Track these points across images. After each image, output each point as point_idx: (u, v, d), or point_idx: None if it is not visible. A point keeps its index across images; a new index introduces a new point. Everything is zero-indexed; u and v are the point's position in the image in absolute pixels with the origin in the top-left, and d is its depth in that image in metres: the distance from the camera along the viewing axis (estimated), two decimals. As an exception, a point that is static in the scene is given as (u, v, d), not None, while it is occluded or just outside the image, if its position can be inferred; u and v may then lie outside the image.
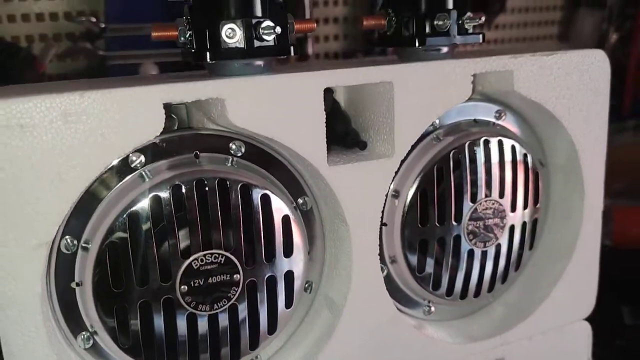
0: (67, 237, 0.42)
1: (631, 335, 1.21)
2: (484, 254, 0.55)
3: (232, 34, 0.40)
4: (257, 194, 0.45)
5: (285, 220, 0.46)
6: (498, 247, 0.56)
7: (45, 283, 0.41)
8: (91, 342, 0.44)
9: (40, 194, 0.38)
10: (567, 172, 0.59)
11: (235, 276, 0.45)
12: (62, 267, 0.43)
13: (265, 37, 0.41)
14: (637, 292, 1.28)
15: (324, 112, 0.45)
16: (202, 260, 0.43)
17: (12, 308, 0.39)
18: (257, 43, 0.41)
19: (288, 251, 0.47)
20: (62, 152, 0.38)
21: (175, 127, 0.47)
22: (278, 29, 0.41)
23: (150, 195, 0.42)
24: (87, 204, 0.42)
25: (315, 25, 0.45)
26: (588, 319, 0.64)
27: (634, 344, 1.19)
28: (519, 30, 1.58)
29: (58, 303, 0.43)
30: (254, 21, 0.41)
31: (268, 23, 0.41)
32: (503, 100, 0.56)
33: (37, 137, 0.37)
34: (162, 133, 0.44)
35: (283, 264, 0.47)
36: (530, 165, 0.56)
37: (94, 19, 1.03)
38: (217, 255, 0.44)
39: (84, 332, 0.44)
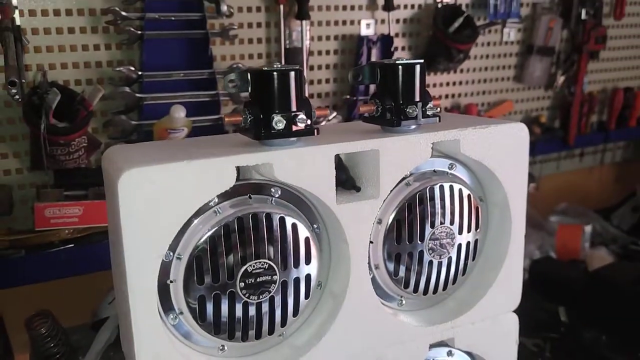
0: (167, 251, 0.65)
1: (565, 331, 1.47)
2: (440, 264, 0.79)
3: (279, 123, 0.63)
4: (289, 223, 0.68)
5: (306, 240, 0.69)
6: (449, 259, 0.80)
7: (153, 280, 0.64)
8: (177, 320, 0.67)
9: (157, 225, 0.60)
10: (500, 207, 0.83)
11: (274, 277, 0.68)
12: (162, 270, 0.65)
13: (299, 124, 0.64)
14: (571, 296, 1.55)
15: (334, 170, 0.68)
16: (253, 266, 0.66)
17: (138, 293, 0.61)
18: (294, 127, 0.65)
19: (308, 260, 0.70)
20: (171, 202, 0.61)
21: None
22: (308, 121, 0.64)
23: (222, 224, 0.65)
24: (180, 229, 0.65)
25: (328, 111, 0.69)
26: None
27: (566, 337, 1.46)
28: (481, 73, 1.85)
29: (157, 292, 0.66)
30: (292, 114, 0.64)
31: (302, 116, 0.64)
32: (454, 157, 0.80)
33: (160, 190, 0.59)
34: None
35: (304, 269, 0.70)
36: (472, 202, 0.80)
37: (132, 68, 1.25)
38: (263, 263, 0.67)
39: (172, 312, 0.67)
